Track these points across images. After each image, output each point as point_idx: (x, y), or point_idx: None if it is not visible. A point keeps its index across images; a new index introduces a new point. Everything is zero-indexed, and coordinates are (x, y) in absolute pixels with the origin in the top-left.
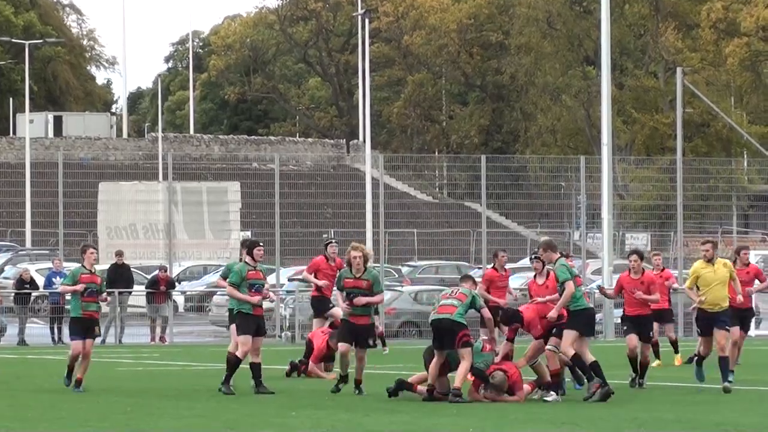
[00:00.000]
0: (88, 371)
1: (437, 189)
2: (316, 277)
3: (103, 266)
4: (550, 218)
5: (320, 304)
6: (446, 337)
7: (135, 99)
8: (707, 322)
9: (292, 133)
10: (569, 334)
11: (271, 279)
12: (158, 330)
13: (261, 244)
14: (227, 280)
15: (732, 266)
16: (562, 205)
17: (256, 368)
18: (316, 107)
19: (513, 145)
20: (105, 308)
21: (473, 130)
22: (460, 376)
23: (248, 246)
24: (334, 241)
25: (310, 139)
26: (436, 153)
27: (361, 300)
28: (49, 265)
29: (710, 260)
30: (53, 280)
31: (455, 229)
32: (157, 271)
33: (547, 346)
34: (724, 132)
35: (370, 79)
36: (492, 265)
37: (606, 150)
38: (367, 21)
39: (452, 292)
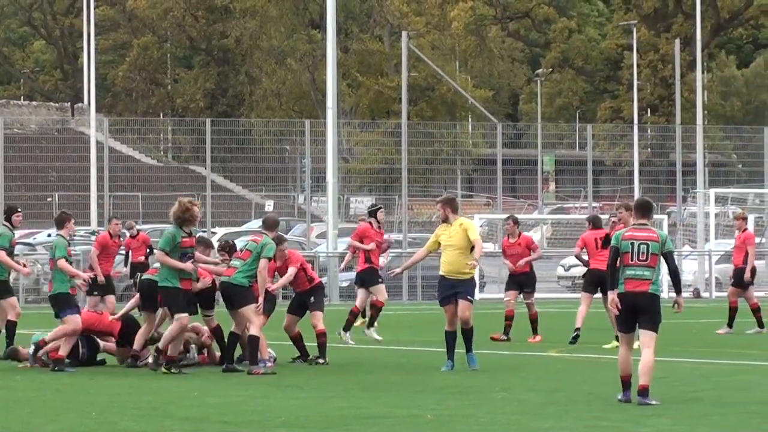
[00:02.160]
0: None
1: (162, 152)
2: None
3: None
4: (275, 182)
5: (370, 276)
6: (232, 298)
7: None
8: (446, 291)
9: (16, 97)
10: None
11: None
12: None
13: (19, 210)
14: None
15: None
16: (287, 169)
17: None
18: (40, 70)
19: (238, 109)
20: None
21: (198, 94)
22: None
23: (6, 212)
24: (382, 207)
25: (34, 103)
26: (161, 116)
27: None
28: None
29: (445, 221)
30: None
31: (180, 193)
32: None
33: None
34: (449, 96)
35: (95, 42)
36: None
37: (331, 113)
38: None
39: (240, 250)
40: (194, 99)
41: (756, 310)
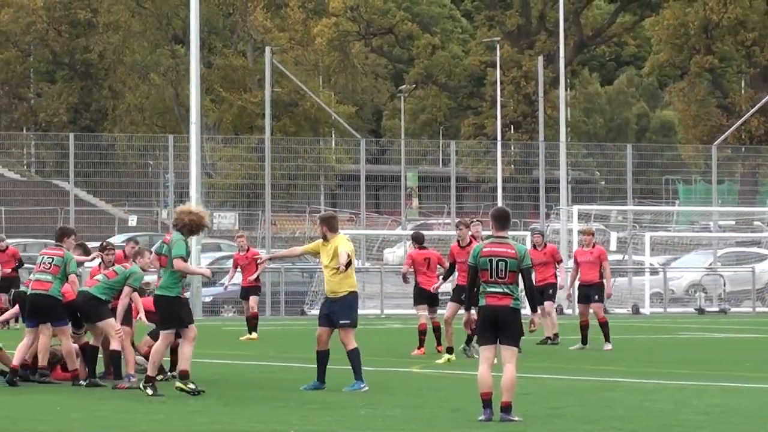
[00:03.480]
0: None
1: (25, 167)
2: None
3: None
4: (138, 197)
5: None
6: (89, 311)
7: None
8: (323, 310)
9: None
10: None
11: None
12: None
13: None
14: None
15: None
16: (150, 184)
17: None
18: None
19: (102, 124)
20: None
21: (62, 108)
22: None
23: None
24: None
25: None
26: (24, 131)
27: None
28: None
29: (324, 239)
30: None
31: (43, 207)
32: None
33: None
34: (313, 111)
35: None
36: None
37: (194, 129)
38: None
39: (46, 262)
40: (57, 113)
41: (585, 327)
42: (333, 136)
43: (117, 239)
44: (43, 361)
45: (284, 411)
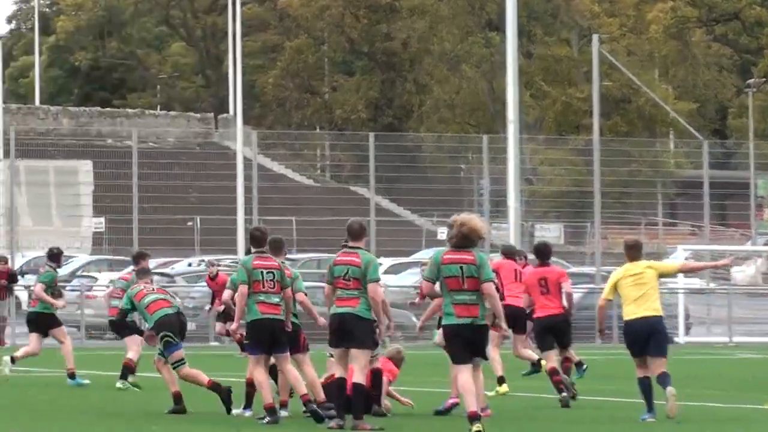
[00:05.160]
0: None
1: (319, 171)
2: None
3: None
4: (448, 206)
5: None
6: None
7: None
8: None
9: (152, 106)
10: None
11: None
12: None
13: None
14: None
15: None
16: (462, 191)
17: None
18: (179, 76)
19: (405, 122)
20: None
21: (360, 104)
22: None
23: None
24: None
25: (172, 113)
26: (318, 130)
27: None
28: None
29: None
30: None
31: (339, 217)
32: None
33: None
34: (647, 108)
35: (241, 44)
36: None
37: (512, 128)
38: None
39: (268, 279)
40: (355, 110)
41: None
42: (671, 136)
43: (424, 254)
44: (296, 391)
45: None
